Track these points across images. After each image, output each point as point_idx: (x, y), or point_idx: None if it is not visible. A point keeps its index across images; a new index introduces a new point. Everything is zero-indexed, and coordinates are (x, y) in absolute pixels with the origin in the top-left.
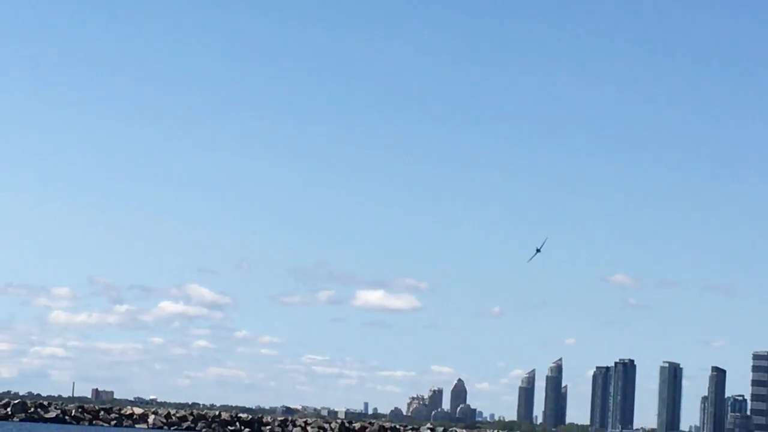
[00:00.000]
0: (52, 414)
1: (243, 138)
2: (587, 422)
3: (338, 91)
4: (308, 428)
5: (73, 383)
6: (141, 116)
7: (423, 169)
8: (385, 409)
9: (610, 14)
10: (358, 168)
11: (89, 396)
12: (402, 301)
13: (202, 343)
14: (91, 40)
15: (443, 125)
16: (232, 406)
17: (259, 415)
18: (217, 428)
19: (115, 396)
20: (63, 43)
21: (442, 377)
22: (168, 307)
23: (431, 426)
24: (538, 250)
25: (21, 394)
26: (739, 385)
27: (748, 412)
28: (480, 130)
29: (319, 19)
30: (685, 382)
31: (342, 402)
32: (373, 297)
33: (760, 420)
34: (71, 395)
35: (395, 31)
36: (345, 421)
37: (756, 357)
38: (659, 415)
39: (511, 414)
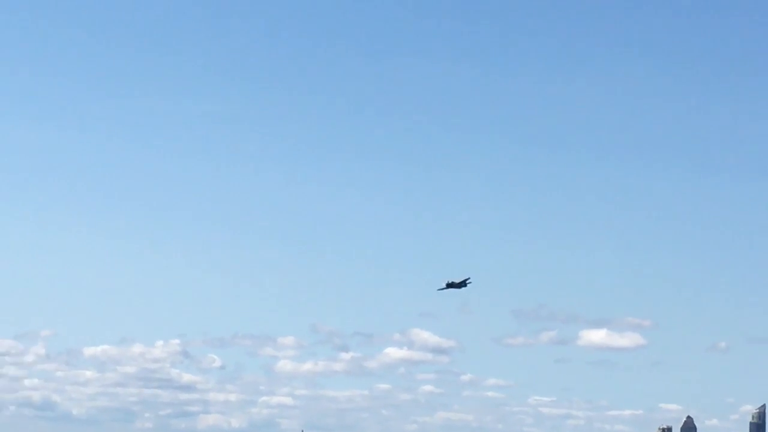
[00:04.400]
0: None
1: (456, 184)
2: None
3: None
4: None
5: (302, 431)
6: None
7: (641, 208)
8: None
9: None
10: (576, 209)
11: None
12: (626, 340)
13: (428, 387)
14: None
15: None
16: None
17: None
18: None
19: None
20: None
21: (671, 415)
22: (393, 352)
23: None
24: (451, 285)
25: None
26: None
27: None
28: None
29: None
30: None
31: None
32: (596, 336)
33: None
34: None
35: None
36: None
37: None
38: None
39: None
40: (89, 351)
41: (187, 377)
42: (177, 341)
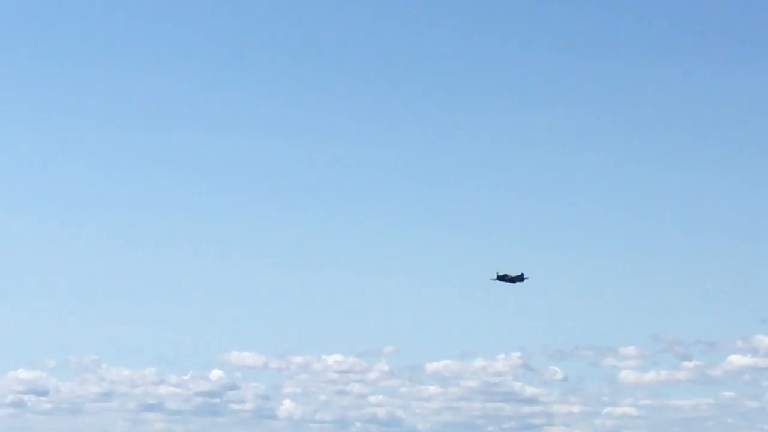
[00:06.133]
0: None
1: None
2: None
3: None
4: None
5: None
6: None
7: None
8: None
9: None
10: None
11: None
12: None
13: None
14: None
15: None
16: None
17: None
18: None
19: None
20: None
21: None
22: (736, 360)
23: None
24: (503, 278)
25: None
26: None
27: None
28: None
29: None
30: None
31: None
32: None
33: None
34: None
35: None
36: None
37: None
38: None
39: None
40: (431, 366)
41: (529, 390)
42: (518, 354)
